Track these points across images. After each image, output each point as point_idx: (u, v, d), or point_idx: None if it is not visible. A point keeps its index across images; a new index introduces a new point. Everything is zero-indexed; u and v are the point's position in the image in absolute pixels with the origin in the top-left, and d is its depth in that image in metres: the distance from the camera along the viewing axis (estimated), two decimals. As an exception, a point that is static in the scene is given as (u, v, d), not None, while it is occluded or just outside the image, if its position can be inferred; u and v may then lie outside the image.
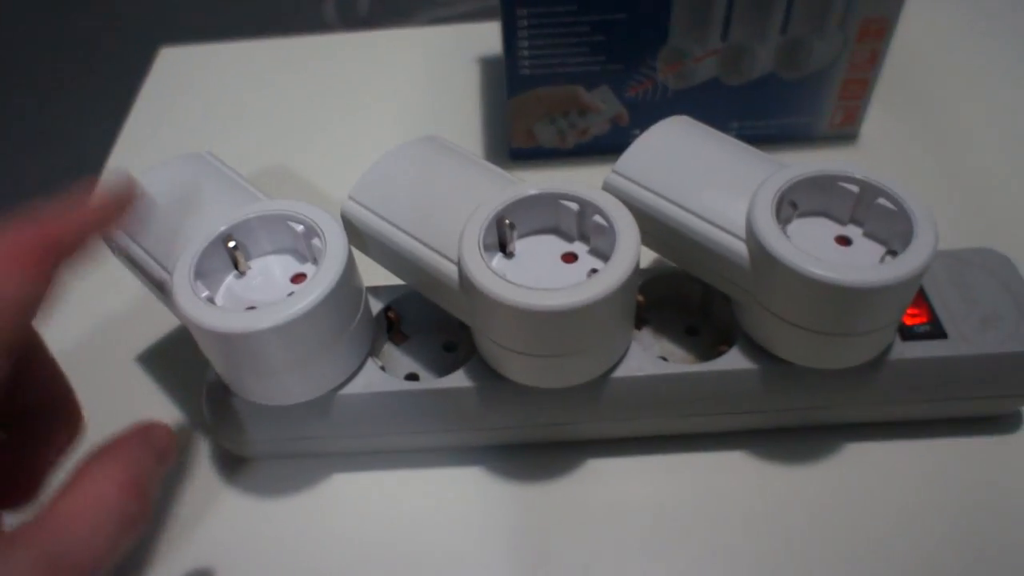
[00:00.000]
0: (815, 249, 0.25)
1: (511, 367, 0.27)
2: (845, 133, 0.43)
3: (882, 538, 0.28)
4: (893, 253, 0.26)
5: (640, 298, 0.31)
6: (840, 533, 0.28)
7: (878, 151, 0.43)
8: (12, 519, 0.21)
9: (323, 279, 0.25)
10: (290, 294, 0.25)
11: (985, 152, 0.42)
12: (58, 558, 0.18)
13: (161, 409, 0.33)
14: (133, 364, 0.35)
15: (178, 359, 0.35)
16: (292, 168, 0.45)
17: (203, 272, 0.26)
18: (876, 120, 0.44)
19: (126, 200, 0.24)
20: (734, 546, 0.28)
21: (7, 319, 0.19)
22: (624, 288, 0.25)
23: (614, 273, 0.24)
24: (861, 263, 0.26)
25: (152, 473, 0.21)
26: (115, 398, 0.33)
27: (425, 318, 0.32)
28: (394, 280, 0.30)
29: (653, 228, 0.29)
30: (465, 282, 0.26)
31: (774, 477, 0.30)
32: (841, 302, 0.25)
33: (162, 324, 0.36)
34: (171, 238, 0.28)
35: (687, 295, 0.32)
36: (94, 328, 0.37)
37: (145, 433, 0.22)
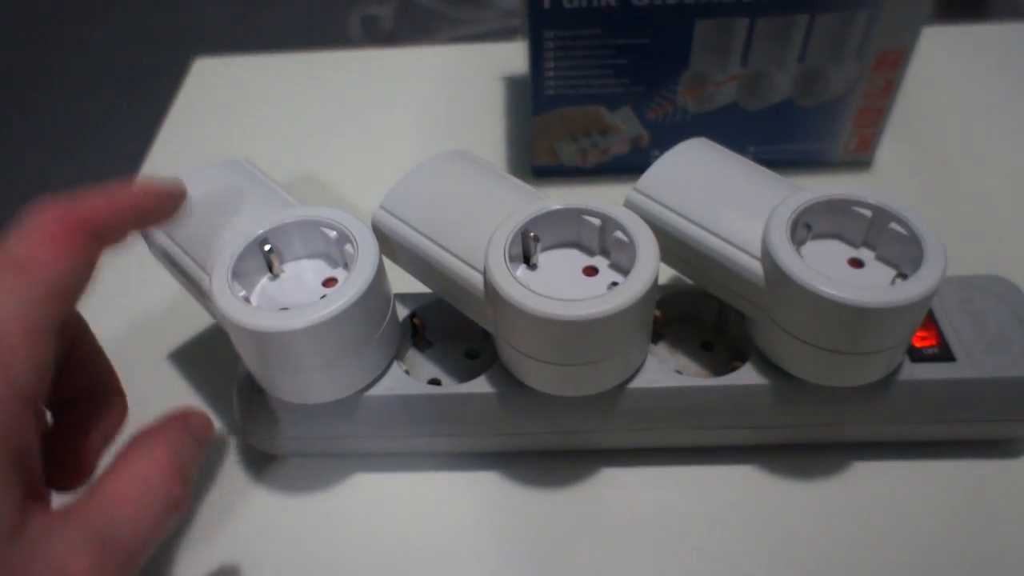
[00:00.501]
0: (828, 270, 0.26)
1: (531, 374, 0.28)
2: (860, 160, 0.44)
3: (886, 556, 0.29)
4: (903, 276, 0.27)
5: (657, 313, 0.32)
6: (846, 549, 0.29)
7: (892, 178, 0.44)
8: (59, 500, 0.22)
9: (354, 284, 0.26)
10: (322, 297, 0.26)
11: (996, 182, 0.43)
12: (108, 538, 0.19)
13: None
14: (165, 361, 0.36)
15: (209, 358, 0.36)
16: (319, 177, 0.46)
17: (240, 273, 0.27)
18: (890, 148, 0.45)
19: (171, 196, 0.24)
20: (742, 558, 0.29)
21: (57, 301, 0.20)
22: (642, 301, 0.26)
23: (633, 286, 0.25)
24: (872, 285, 0.27)
25: (192, 457, 0.22)
26: (147, 395, 0.34)
27: (449, 326, 0.33)
28: (420, 288, 0.31)
29: (672, 245, 0.30)
30: (490, 291, 0.27)
31: (784, 492, 0.31)
32: (852, 322, 0.26)
33: (194, 323, 0.38)
34: (210, 240, 0.29)
35: (703, 312, 0.33)
36: (127, 326, 0.38)
37: (184, 419, 0.23)
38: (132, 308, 0.39)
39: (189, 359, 0.37)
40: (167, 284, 0.35)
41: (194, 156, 0.48)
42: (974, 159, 0.45)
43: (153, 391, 0.35)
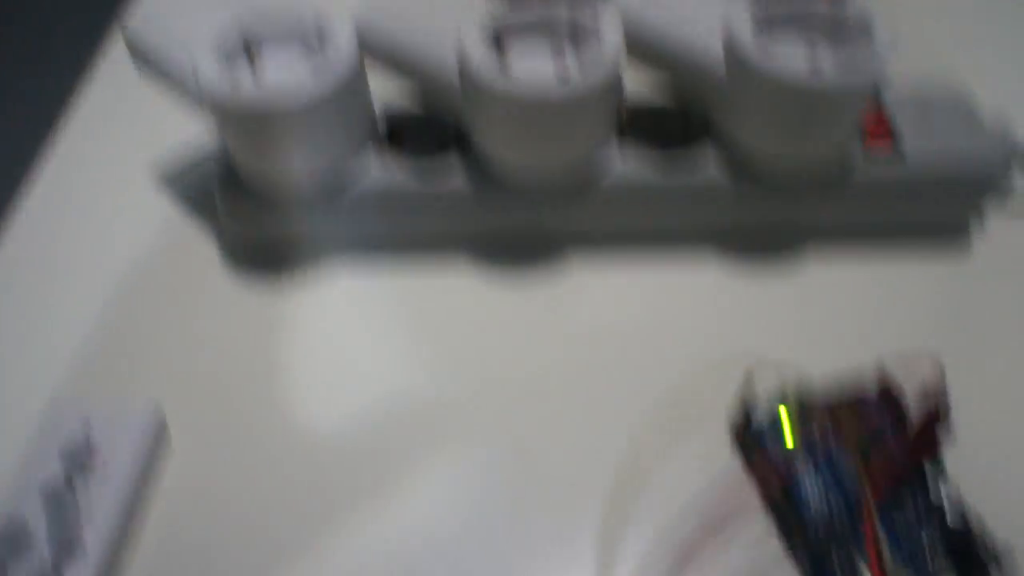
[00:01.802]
0: (785, 58, 0.28)
1: (501, 160, 0.30)
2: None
3: (836, 338, 0.31)
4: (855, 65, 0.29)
5: (624, 112, 0.33)
6: (800, 333, 0.31)
7: None
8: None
9: (333, 68, 0.28)
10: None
11: None
12: None
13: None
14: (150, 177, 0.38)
15: (193, 174, 0.38)
16: None
17: (223, 61, 0.29)
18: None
19: None
20: (700, 350, 0.30)
21: None
22: (605, 85, 0.27)
23: (597, 69, 0.27)
24: (825, 68, 0.28)
25: None
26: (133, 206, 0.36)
27: (425, 129, 0.34)
28: (399, 99, 0.33)
29: (637, 43, 0.31)
30: (463, 77, 0.28)
31: (743, 287, 0.32)
32: (805, 102, 0.28)
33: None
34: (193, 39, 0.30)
35: (669, 128, 0.35)
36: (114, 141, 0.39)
37: None
38: (120, 126, 0.40)
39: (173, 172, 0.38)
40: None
41: None
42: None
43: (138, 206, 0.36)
